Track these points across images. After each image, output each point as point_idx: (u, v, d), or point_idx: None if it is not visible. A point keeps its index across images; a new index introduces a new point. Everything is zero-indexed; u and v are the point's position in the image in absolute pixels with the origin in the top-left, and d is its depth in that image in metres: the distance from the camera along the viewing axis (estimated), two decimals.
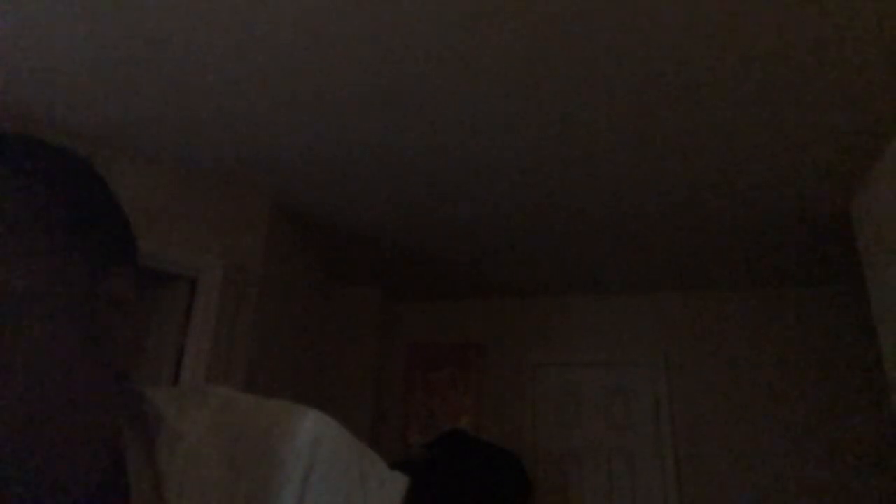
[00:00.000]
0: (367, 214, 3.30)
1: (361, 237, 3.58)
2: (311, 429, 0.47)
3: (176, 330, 2.71)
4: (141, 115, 2.47)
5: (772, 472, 3.72)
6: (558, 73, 2.17)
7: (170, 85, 2.29)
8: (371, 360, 4.17)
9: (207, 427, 0.46)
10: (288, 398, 0.51)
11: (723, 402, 3.94)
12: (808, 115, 2.33)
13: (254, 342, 2.90)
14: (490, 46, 2.05)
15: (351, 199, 3.14)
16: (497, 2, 1.86)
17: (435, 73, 2.19)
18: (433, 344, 4.48)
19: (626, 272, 3.95)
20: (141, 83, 2.28)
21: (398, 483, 0.48)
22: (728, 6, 1.85)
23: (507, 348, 4.37)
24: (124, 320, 0.44)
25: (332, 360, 4.10)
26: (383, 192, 3.05)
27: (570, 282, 4.15)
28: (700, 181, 2.84)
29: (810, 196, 2.92)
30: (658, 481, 3.85)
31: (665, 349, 4.13)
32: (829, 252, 3.50)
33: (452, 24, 1.95)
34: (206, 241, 2.83)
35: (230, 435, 0.46)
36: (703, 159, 2.67)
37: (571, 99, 2.30)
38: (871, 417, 3.68)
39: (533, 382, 4.24)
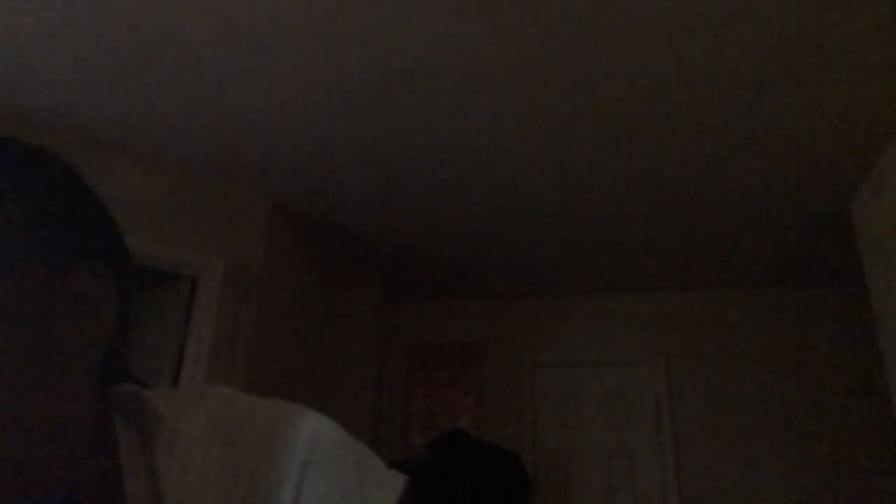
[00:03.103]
0: (367, 214, 3.30)
1: (361, 237, 3.58)
2: (308, 427, 0.47)
3: (176, 330, 2.71)
4: (141, 115, 2.47)
5: (772, 472, 3.72)
6: (559, 74, 2.17)
7: (170, 85, 2.29)
8: (371, 360, 4.17)
9: (205, 426, 0.46)
10: (288, 398, 0.51)
11: (723, 402, 3.94)
12: (808, 115, 2.33)
13: (254, 342, 2.90)
14: (491, 47, 2.05)
15: (351, 199, 3.14)
16: (498, 3, 1.86)
17: (436, 74, 2.19)
18: (433, 344, 4.48)
19: (626, 272, 3.95)
20: (140, 83, 2.28)
21: (396, 482, 0.47)
22: (729, 7, 1.85)
23: (507, 348, 4.36)
24: (94, 316, 0.43)
25: (332, 360, 4.10)
26: (383, 192, 3.05)
27: (570, 282, 4.15)
28: (700, 181, 2.84)
29: (810, 196, 2.92)
30: (658, 481, 3.84)
31: (665, 349, 4.13)
32: (829, 252, 3.49)
33: (454, 25, 1.95)
34: (206, 241, 2.83)
35: (228, 434, 0.46)
36: (703, 159, 2.67)
37: (571, 99, 2.30)
38: (870, 418, 3.68)
39: (533, 382, 4.23)
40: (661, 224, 3.28)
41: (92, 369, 0.44)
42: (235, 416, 0.47)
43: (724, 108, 2.32)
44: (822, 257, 3.58)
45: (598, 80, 2.20)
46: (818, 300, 4.01)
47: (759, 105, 2.29)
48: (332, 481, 0.45)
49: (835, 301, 3.97)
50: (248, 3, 1.91)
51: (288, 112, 2.44)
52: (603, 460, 3.98)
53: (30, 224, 0.41)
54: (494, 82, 2.22)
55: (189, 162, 2.81)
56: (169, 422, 0.45)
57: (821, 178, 2.76)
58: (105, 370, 0.45)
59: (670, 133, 2.49)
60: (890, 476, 3.56)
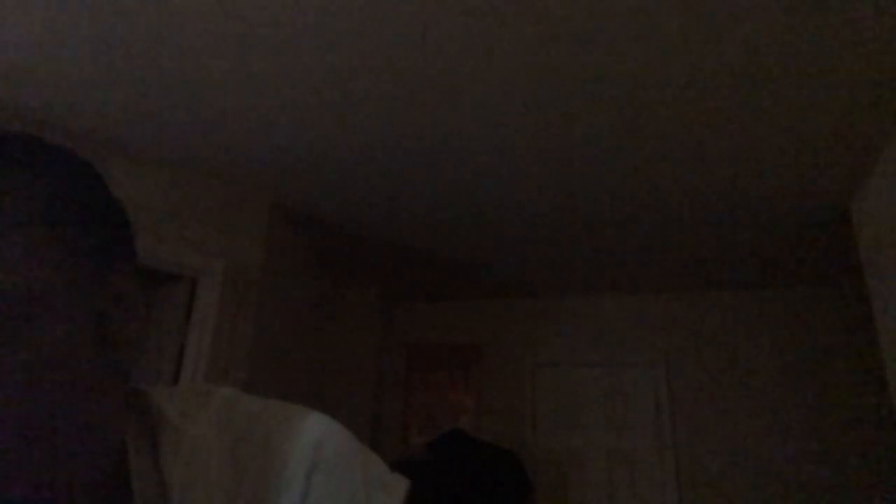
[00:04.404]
0: (367, 214, 3.30)
1: (361, 237, 3.58)
2: (314, 430, 0.47)
3: (176, 330, 2.71)
4: (141, 115, 2.47)
5: (772, 473, 3.72)
6: (559, 74, 2.17)
7: (170, 85, 2.29)
8: (371, 360, 4.17)
9: (211, 427, 0.46)
10: (288, 398, 0.51)
11: (723, 402, 3.94)
12: (808, 115, 2.33)
13: (254, 342, 2.90)
14: (491, 47, 2.05)
15: (351, 199, 3.14)
16: (499, 3, 1.86)
17: (436, 74, 2.19)
18: (433, 344, 4.48)
19: (627, 272, 3.95)
20: (141, 83, 2.28)
21: (400, 486, 0.48)
22: (729, 7, 1.85)
23: (506, 348, 4.37)
24: (130, 317, 0.44)
25: (332, 360, 4.10)
26: (383, 192, 3.05)
27: (570, 282, 4.15)
28: (700, 181, 2.84)
29: (810, 196, 2.92)
30: (658, 481, 3.85)
31: (665, 349, 4.13)
32: (829, 252, 3.50)
33: (453, 25, 1.95)
34: (206, 241, 2.83)
35: (233, 435, 0.46)
36: (703, 159, 2.67)
37: (571, 100, 2.30)
38: (871, 417, 3.68)
39: (533, 382, 4.23)
40: (661, 224, 3.28)
41: (125, 373, 0.44)
42: (240, 418, 0.47)
43: (724, 109, 2.32)
44: (822, 257, 3.58)
45: (598, 81, 2.20)
46: (818, 300, 4.01)
47: (759, 105, 2.29)
48: (338, 485, 0.45)
49: (835, 301, 3.98)
50: (248, 4, 1.91)
51: (288, 112, 2.44)
52: (603, 460, 3.98)
53: (73, 225, 0.41)
54: (495, 83, 2.22)
55: (189, 162, 2.81)
56: (174, 422, 0.45)
57: (821, 178, 2.76)
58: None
59: (670, 133, 2.49)
60: (890, 475, 3.56)
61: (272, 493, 0.44)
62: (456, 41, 2.03)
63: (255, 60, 2.15)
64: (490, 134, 2.54)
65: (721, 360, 4.03)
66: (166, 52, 2.12)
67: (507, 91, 2.27)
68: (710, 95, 2.25)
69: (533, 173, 2.83)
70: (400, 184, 2.97)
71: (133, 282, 0.45)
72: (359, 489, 0.46)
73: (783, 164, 2.67)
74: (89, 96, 2.35)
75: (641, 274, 3.97)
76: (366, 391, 4.08)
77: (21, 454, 0.36)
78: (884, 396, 3.67)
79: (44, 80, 2.27)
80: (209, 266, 2.79)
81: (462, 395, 4.29)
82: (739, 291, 4.14)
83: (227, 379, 2.69)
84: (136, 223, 0.49)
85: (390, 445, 4.16)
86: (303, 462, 0.45)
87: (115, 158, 2.68)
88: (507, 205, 3.14)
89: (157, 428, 0.45)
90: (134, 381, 0.48)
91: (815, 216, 3.11)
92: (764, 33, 1.95)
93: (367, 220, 3.37)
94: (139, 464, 0.43)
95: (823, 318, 3.96)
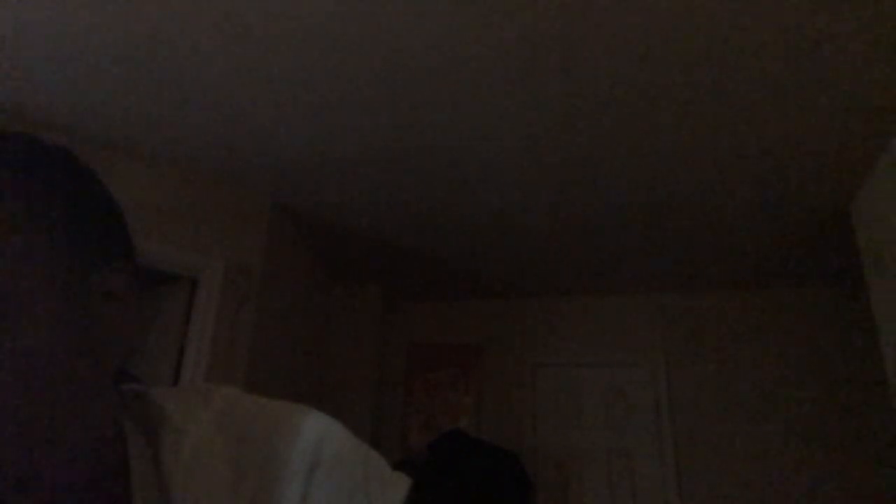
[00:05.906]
0: (367, 214, 3.30)
1: (362, 237, 3.58)
2: (315, 429, 0.47)
3: (176, 330, 2.71)
4: (141, 115, 2.47)
5: (772, 472, 3.72)
6: (558, 74, 2.17)
7: (170, 85, 2.29)
8: (371, 360, 4.17)
9: (212, 427, 0.46)
10: (288, 398, 0.51)
11: (723, 402, 3.94)
12: (808, 114, 2.33)
13: (254, 342, 2.90)
14: (490, 46, 2.05)
15: (351, 199, 3.14)
16: (499, 3, 1.86)
17: (435, 73, 2.19)
18: (433, 344, 4.48)
19: (626, 272, 3.95)
20: (141, 83, 2.28)
21: (401, 484, 0.48)
22: (728, 5, 1.85)
23: (506, 348, 4.36)
24: (121, 315, 0.44)
25: (332, 360, 4.10)
26: (383, 191, 3.05)
27: (570, 282, 4.15)
28: (700, 181, 2.84)
29: (810, 196, 2.92)
30: (658, 481, 3.84)
31: (665, 349, 4.13)
32: (829, 252, 3.49)
33: (453, 24, 1.95)
34: (206, 241, 2.83)
35: (234, 435, 0.46)
36: (703, 159, 2.67)
37: (571, 99, 2.30)
38: (871, 417, 3.68)
39: (533, 382, 4.23)
40: (660, 224, 3.28)
41: (118, 372, 0.44)
42: (241, 417, 0.47)
43: (723, 108, 2.32)
44: (822, 257, 3.58)
45: (598, 81, 2.20)
46: (818, 300, 4.01)
47: (760, 105, 2.29)
48: (339, 483, 0.46)
49: (835, 301, 3.97)
50: (248, 4, 1.91)
51: (288, 112, 2.44)
52: (603, 460, 3.98)
53: (63, 223, 0.41)
54: (495, 82, 2.23)
55: (189, 162, 2.81)
56: (175, 422, 0.45)
57: (821, 178, 2.76)
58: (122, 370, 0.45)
59: (670, 133, 2.49)
60: (891, 476, 3.56)
61: (273, 492, 0.44)
62: (457, 42, 2.03)
63: (254, 60, 2.15)
64: (490, 134, 2.54)
65: (721, 359, 4.03)
66: (166, 53, 2.12)
67: (507, 91, 2.27)
68: (710, 96, 2.25)
69: (533, 173, 2.83)
70: (400, 184, 2.97)
71: (127, 280, 0.45)
72: (359, 488, 0.46)
73: (783, 164, 2.67)
74: (90, 97, 2.35)
75: (641, 274, 3.97)
76: (366, 391, 4.08)
77: (11, 454, 0.36)
78: (884, 396, 3.67)
79: (45, 80, 2.27)
80: (209, 266, 2.79)
81: (462, 395, 4.29)
82: (739, 291, 4.14)
83: (227, 379, 2.69)
84: (134, 223, 0.49)
85: (390, 445, 4.15)
86: (303, 461, 0.45)
87: (115, 158, 2.68)
88: (507, 205, 3.14)
89: (158, 428, 0.45)
90: (133, 381, 0.48)
91: (815, 216, 3.11)
92: (764, 33, 1.95)
93: (367, 220, 3.37)
94: (139, 464, 0.43)
95: (823, 318, 3.96)
